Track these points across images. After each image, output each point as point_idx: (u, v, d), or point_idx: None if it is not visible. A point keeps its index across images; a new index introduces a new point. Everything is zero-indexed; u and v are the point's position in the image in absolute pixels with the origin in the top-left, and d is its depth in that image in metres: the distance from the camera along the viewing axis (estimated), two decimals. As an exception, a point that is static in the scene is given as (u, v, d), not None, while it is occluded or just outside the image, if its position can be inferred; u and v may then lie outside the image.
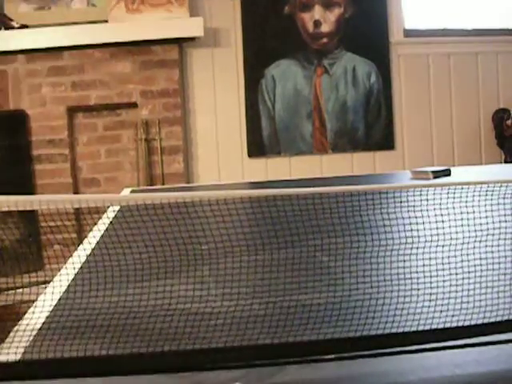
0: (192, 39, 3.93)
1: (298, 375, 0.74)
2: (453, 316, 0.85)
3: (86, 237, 1.65)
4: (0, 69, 3.79)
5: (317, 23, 4.10)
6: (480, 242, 1.15)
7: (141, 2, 3.85)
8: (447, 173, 2.41)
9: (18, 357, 0.82)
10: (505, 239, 1.19)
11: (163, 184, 3.90)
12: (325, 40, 4.11)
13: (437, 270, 1.06)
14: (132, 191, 2.62)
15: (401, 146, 4.26)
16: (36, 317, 0.99)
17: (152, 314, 0.96)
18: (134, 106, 3.90)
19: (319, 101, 4.13)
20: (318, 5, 4.09)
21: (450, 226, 1.18)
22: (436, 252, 1.16)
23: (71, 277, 1.23)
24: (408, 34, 4.26)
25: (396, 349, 0.77)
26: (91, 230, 1.73)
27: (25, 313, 1.03)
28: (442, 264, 1.08)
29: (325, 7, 4.10)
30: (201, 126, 4.09)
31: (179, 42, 3.91)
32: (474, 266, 1.04)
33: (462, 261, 1.08)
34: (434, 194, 1.20)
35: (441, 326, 0.81)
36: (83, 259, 1.37)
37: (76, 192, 3.89)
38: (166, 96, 3.89)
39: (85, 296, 1.05)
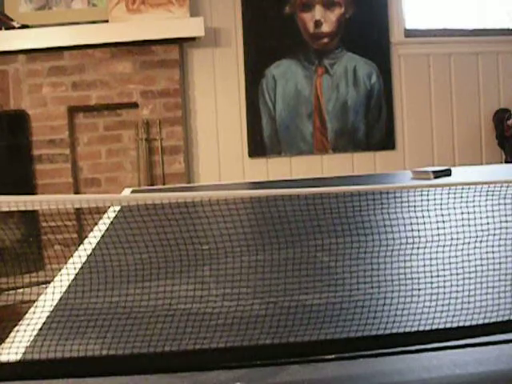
0: (192, 39, 3.93)
1: (298, 375, 0.74)
2: (454, 316, 0.85)
3: (86, 237, 1.65)
4: (0, 69, 3.79)
5: (317, 23, 4.10)
6: (481, 242, 1.14)
7: (141, 2, 3.85)
8: (448, 173, 2.41)
9: (19, 357, 0.82)
10: (506, 239, 1.19)
11: (164, 184, 3.90)
12: (325, 40, 4.11)
13: (438, 270, 1.06)
14: (133, 191, 2.62)
15: (401, 146, 4.26)
16: (36, 317, 0.99)
17: (152, 314, 0.96)
18: (134, 105, 3.90)
19: (320, 101, 4.13)
20: (318, 5, 4.09)
21: (450, 227, 1.18)
22: (437, 252, 1.16)
23: (72, 277, 1.23)
24: (409, 34, 4.26)
25: (397, 349, 0.77)
26: (92, 230, 1.73)
27: (25, 313, 1.03)
28: (443, 264, 1.08)
29: (325, 7, 4.10)
30: (201, 126, 4.09)
31: (180, 41, 3.91)
32: (475, 266, 1.04)
33: (462, 261, 1.08)
34: (434, 194, 1.20)
35: (442, 326, 0.81)
36: (84, 259, 1.37)
37: (77, 192, 3.89)
38: (166, 96, 3.89)
39: (85, 296, 1.05)
